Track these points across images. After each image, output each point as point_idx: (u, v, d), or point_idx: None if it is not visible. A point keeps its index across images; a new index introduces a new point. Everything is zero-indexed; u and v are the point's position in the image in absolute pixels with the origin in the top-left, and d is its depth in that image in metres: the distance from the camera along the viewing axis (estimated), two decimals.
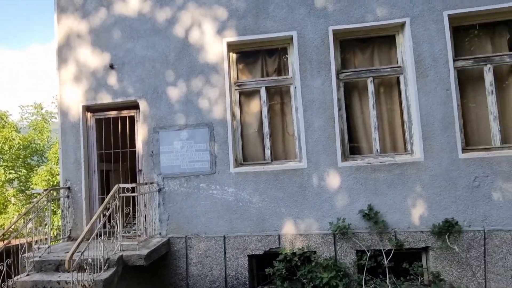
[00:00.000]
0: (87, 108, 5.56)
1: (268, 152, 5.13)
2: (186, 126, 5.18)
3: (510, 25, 4.82)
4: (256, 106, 5.31)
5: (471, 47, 4.92)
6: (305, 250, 4.66)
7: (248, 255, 4.85)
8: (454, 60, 4.76)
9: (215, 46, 5.20)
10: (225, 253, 4.88)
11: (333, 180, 4.78)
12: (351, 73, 5.07)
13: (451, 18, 4.73)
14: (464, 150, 4.61)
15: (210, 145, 5.10)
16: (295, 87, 5.09)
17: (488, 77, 4.73)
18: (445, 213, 4.52)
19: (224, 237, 4.91)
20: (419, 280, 4.38)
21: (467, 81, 4.88)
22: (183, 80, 5.23)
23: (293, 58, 5.15)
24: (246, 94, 5.35)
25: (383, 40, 5.13)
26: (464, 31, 4.94)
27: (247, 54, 5.42)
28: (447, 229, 4.41)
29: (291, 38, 5.08)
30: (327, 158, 4.82)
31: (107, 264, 4.08)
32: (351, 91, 5.16)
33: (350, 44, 5.20)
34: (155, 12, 5.37)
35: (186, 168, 5.12)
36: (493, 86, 4.71)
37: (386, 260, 4.46)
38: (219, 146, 5.07)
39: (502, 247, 4.36)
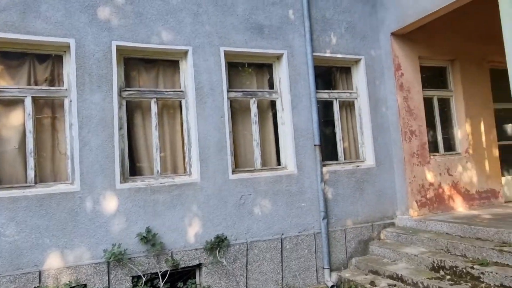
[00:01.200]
0: None
1: (31, 173, 4.36)
2: None
3: (270, 67, 5.84)
4: (19, 118, 4.47)
5: (242, 81, 5.68)
6: (73, 285, 4.14)
7: None
8: (228, 91, 5.36)
9: None
10: None
11: (110, 204, 4.49)
12: (135, 92, 4.97)
13: (226, 54, 5.33)
14: (233, 171, 5.20)
15: None
16: (71, 101, 4.56)
17: (253, 108, 5.55)
18: (217, 229, 4.94)
19: None
20: None
21: (238, 111, 5.58)
22: None
23: (69, 68, 4.63)
24: (5, 104, 4.43)
25: (168, 64, 5.28)
26: (239, 67, 5.66)
27: (9, 56, 4.52)
28: (218, 244, 4.83)
29: (68, 46, 4.57)
30: (104, 180, 4.50)
31: None
32: (134, 110, 5.05)
33: (135, 63, 5.11)
34: None
35: None
36: (257, 117, 5.56)
37: (162, 282, 4.47)
38: None
39: (260, 255, 5.10)
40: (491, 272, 4.01)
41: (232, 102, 5.48)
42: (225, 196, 5.05)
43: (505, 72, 4.66)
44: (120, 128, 4.77)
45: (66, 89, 4.62)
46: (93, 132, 4.53)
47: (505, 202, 6.79)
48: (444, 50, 6.64)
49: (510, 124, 7.33)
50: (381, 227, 6.00)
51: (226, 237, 4.94)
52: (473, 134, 6.68)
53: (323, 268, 5.41)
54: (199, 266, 4.84)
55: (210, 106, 5.13)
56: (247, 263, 5.02)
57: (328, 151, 6.10)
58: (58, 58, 4.71)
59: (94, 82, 4.61)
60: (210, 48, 5.22)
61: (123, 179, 4.69)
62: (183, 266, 4.71)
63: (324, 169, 5.70)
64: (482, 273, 4.10)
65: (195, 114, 5.05)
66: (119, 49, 4.81)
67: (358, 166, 6.03)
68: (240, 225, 5.08)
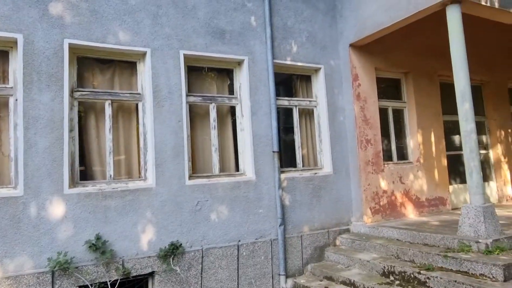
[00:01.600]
0: None
1: None
2: None
3: (231, 73, 5.82)
4: None
5: (202, 86, 5.61)
6: None
7: None
8: (187, 95, 5.28)
9: None
10: None
11: (57, 209, 4.25)
12: (88, 93, 4.77)
13: (186, 57, 5.25)
14: (190, 177, 5.10)
15: None
16: (16, 100, 4.30)
17: (212, 114, 5.50)
18: (171, 236, 4.82)
19: None
20: None
21: (197, 115, 5.50)
22: None
23: (16, 65, 4.36)
24: None
25: (125, 65, 5.11)
26: (198, 71, 5.59)
27: None
28: (172, 252, 4.70)
29: (15, 42, 4.31)
30: (51, 184, 4.26)
31: None
32: (87, 112, 4.84)
33: (90, 63, 4.91)
34: None
35: None
36: (216, 122, 5.51)
37: None
38: None
39: (215, 262, 5.03)
40: (436, 277, 4.19)
41: (191, 106, 5.40)
42: (181, 202, 4.94)
43: (453, 86, 4.94)
44: (71, 130, 4.56)
45: (12, 87, 4.34)
46: (40, 134, 4.28)
47: (452, 209, 7.16)
48: (399, 63, 6.94)
49: (457, 135, 7.76)
50: (337, 234, 6.12)
51: (181, 244, 4.83)
52: (424, 144, 7.01)
53: (279, 274, 5.42)
54: (151, 274, 4.69)
55: (167, 110, 5.02)
56: (202, 271, 4.93)
57: (287, 158, 6.16)
58: (4, 54, 4.43)
59: (43, 81, 4.37)
60: (169, 50, 5.12)
61: (72, 184, 4.47)
62: (134, 274, 4.54)
63: (282, 175, 5.73)
64: (428, 278, 4.28)
65: (152, 117, 4.92)
66: (72, 48, 4.61)
67: (316, 173, 6.13)
68: (195, 231, 4.99)
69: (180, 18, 5.24)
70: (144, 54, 5.03)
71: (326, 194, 6.14)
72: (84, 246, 4.33)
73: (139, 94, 5.06)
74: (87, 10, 4.67)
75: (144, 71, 5.07)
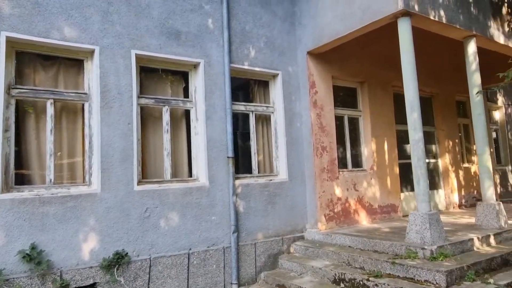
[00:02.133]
0: None
1: None
2: None
3: (186, 76, 5.66)
4: None
5: (155, 88, 5.40)
6: None
7: None
8: (138, 97, 5.06)
9: None
10: None
11: None
12: (28, 91, 4.43)
13: (138, 57, 5.04)
14: (139, 182, 4.87)
15: None
16: None
17: (166, 117, 5.31)
18: (116, 245, 4.56)
19: None
20: None
21: (149, 118, 5.29)
22: None
23: None
24: None
25: (71, 63, 4.82)
26: (152, 73, 5.37)
27: None
28: (117, 261, 4.44)
29: None
30: None
31: None
32: (26, 112, 4.49)
33: (31, 58, 4.57)
34: None
35: None
36: (169, 126, 5.32)
37: None
38: None
39: (164, 272, 4.81)
40: (384, 284, 4.24)
41: (142, 108, 5.18)
42: (128, 208, 4.70)
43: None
44: (6, 130, 4.21)
45: None
46: None
47: (403, 216, 7.35)
48: (355, 72, 7.08)
49: (409, 144, 8.01)
50: (291, 241, 6.09)
51: (127, 253, 4.57)
52: (377, 152, 7.17)
53: (231, 283, 5.29)
54: (93, 286, 4.39)
55: (116, 111, 4.78)
56: (149, 281, 4.69)
57: (243, 164, 6.06)
58: None
59: None
60: (119, 49, 4.88)
61: (6, 188, 4.11)
62: (74, 286, 4.23)
63: (237, 182, 5.63)
64: (376, 285, 4.32)
65: (99, 119, 4.66)
66: (10, 41, 4.27)
67: (271, 180, 6.08)
68: (143, 240, 4.75)
69: (133, 16, 5.03)
70: (92, 52, 4.76)
71: (281, 201, 6.10)
72: (17, 256, 3.98)
73: (85, 94, 4.78)
74: (29, 2, 4.36)
75: (92, 70, 4.80)
